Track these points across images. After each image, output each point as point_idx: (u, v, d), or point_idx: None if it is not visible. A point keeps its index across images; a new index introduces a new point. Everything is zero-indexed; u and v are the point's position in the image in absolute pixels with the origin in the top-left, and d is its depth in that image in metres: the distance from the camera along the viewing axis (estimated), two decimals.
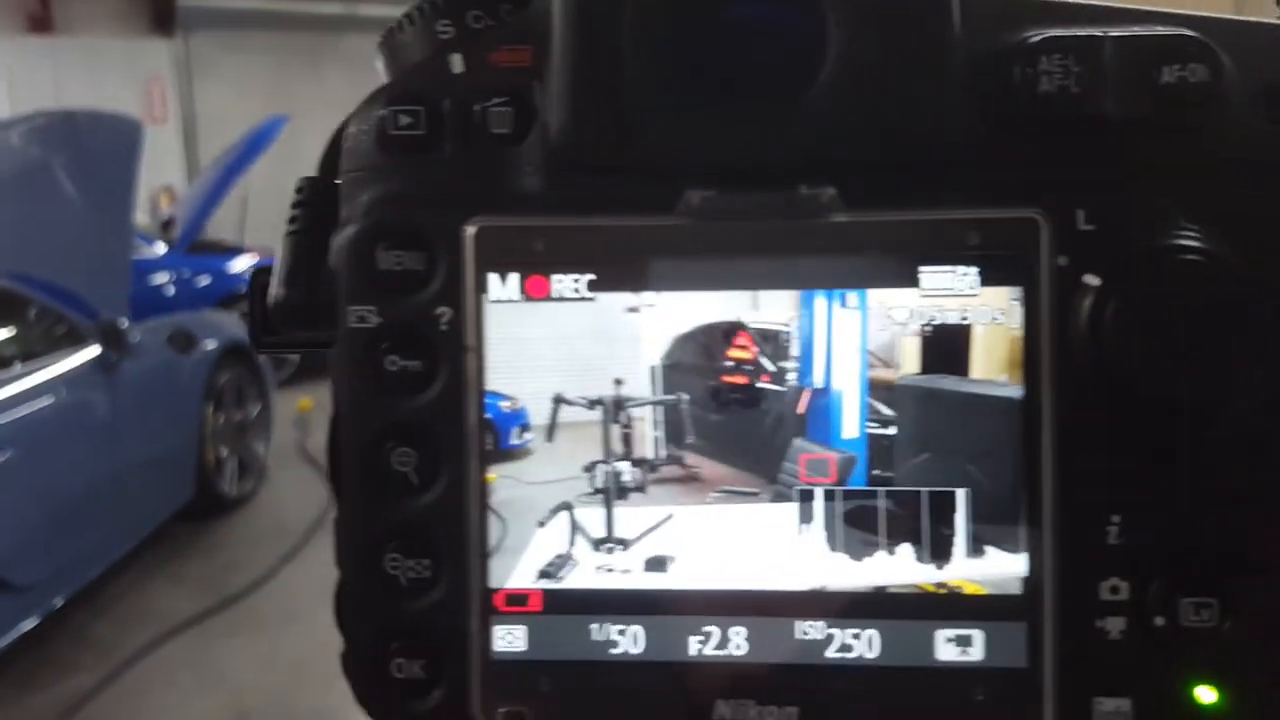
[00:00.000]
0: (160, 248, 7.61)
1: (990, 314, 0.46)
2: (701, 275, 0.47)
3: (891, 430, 0.47)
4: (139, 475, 4.41)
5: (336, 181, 0.51)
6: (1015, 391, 0.46)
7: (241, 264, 8.00)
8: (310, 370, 7.86)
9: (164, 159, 10.06)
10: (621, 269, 0.47)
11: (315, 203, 0.52)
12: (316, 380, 7.65)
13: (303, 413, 6.53)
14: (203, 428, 5.00)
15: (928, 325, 0.46)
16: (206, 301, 7.14)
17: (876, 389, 0.47)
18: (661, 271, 0.47)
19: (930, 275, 0.46)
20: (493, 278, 0.47)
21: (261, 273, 0.56)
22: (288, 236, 0.52)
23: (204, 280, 7.66)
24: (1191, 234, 0.44)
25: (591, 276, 0.47)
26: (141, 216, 7.29)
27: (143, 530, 4.53)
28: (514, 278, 0.47)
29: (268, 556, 4.75)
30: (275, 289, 0.51)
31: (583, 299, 0.47)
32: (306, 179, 0.53)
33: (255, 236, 8.96)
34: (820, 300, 0.47)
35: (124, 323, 4.42)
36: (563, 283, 0.47)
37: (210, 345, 5.12)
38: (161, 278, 7.41)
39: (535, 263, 0.47)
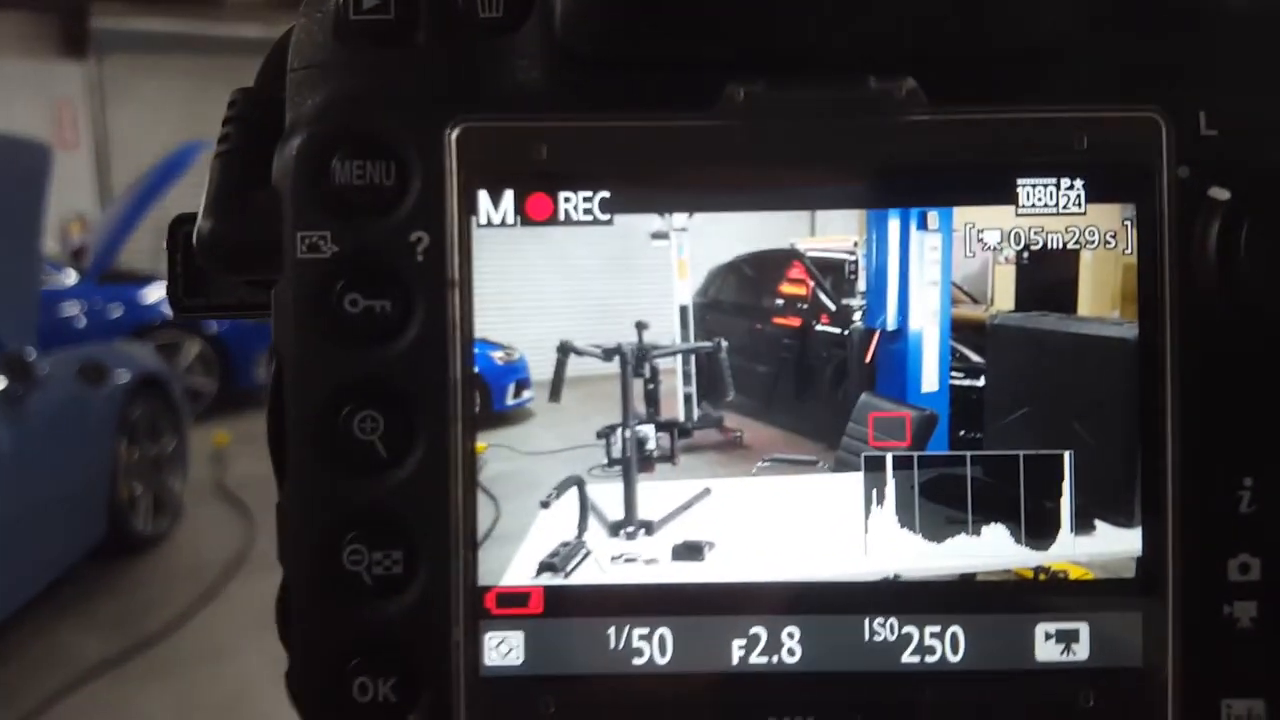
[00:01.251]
0: (71, 277, 7.41)
1: (1100, 237, 0.38)
2: (745, 191, 0.39)
3: (980, 381, 0.39)
4: (47, 514, 4.26)
5: (280, 96, 0.41)
6: (1130, 331, 0.38)
7: (156, 294, 7.81)
8: (228, 402, 7.70)
9: (75, 186, 9.82)
10: (645, 183, 0.39)
11: (251, 117, 0.42)
12: (236, 413, 7.48)
13: (219, 448, 6.37)
14: (115, 463, 4.85)
15: (1025, 251, 0.39)
16: (119, 332, 6.97)
17: (962, 330, 0.39)
18: (695, 187, 0.39)
19: (1029, 189, 0.38)
20: (482, 195, 0.38)
21: (182, 220, 0.46)
22: (217, 158, 0.42)
23: (116, 311, 7.47)
24: None
25: (606, 193, 0.38)
26: (51, 245, 7.07)
27: (52, 571, 4.36)
28: (509, 195, 0.38)
29: (185, 597, 4.61)
30: (202, 221, 0.41)
31: (596, 222, 0.39)
32: (240, 90, 0.43)
33: None
34: (893, 221, 0.39)
35: (31, 354, 4.27)
36: (571, 201, 0.38)
37: (123, 377, 4.97)
38: (72, 308, 7.22)
39: (536, 176, 0.39)
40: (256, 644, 4.07)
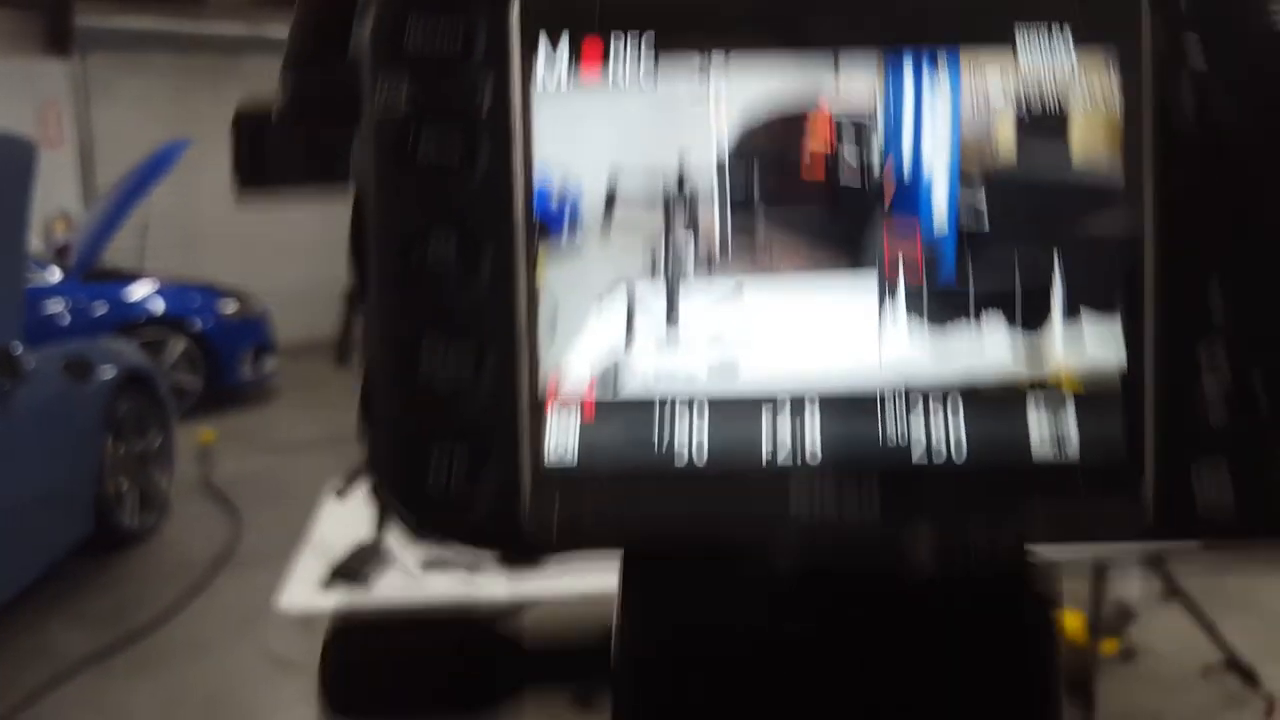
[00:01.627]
0: (55, 274, 7.39)
1: (1089, 94, 0.43)
2: (778, 29, 0.43)
3: (985, 221, 0.44)
4: (34, 509, 4.24)
5: None
6: (1116, 173, 0.43)
7: (139, 291, 7.80)
8: (213, 400, 7.69)
9: (59, 184, 9.78)
10: (689, 23, 0.44)
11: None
12: (221, 411, 7.48)
13: (205, 445, 6.37)
14: (102, 459, 4.83)
15: (1024, 108, 0.44)
16: (103, 330, 6.96)
17: (968, 178, 0.44)
18: (735, 25, 0.44)
19: (1024, 33, 0.43)
20: (542, 44, 0.44)
21: (247, 117, 0.51)
22: (295, 15, 0.47)
23: (101, 308, 7.46)
24: None
25: (653, 34, 0.44)
26: (36, 243, 7.04)
27: (38, 566, 4.35)
28: (565, 44, 0.44)
29: (171, 592, 4.61)
30: (284, 78, 0.46)
31: (641, 90, 0.44)
32: None
33: (155, 263, 8.72)
34: (908, 75, 0.44)
35: (17, 348, 4.25)
36: (620, 43, 0.44)
37: (108, 373, 4.96)
38: (56, 306, 7.21)
39: (590, 23, 0.44)
40: (242, 639, 4.08)
